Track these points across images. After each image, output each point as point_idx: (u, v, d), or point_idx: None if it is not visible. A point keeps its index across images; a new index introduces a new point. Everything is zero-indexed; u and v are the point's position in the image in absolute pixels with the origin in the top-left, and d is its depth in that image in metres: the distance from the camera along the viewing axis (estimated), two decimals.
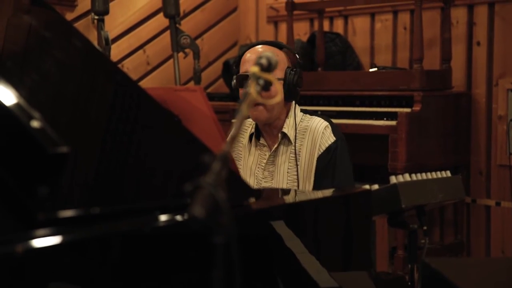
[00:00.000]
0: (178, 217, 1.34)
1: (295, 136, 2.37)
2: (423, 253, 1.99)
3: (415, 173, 2.12)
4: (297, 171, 2.34)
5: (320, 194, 2.00)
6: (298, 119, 2.41)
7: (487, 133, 3.82)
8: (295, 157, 2.35)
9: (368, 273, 1.81)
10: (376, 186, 2.00)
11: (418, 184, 2.05)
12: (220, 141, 1.67)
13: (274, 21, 4.82)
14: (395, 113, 3.45)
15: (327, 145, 2.35)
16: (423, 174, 2.10)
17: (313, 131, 2.38)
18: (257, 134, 2.46)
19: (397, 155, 3.38)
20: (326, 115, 2.49)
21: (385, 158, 3.43)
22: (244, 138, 2.50)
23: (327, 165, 2.34)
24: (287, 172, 2.37)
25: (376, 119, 3.56)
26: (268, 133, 2.44)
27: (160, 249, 1.34)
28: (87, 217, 1.28)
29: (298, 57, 2.43)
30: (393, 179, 2.00)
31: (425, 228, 2.04)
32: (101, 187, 1.45)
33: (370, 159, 3.73)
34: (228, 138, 1.20)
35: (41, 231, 1.18)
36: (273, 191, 2.22)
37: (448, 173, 2.18)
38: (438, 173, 2.14)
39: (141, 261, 1.30)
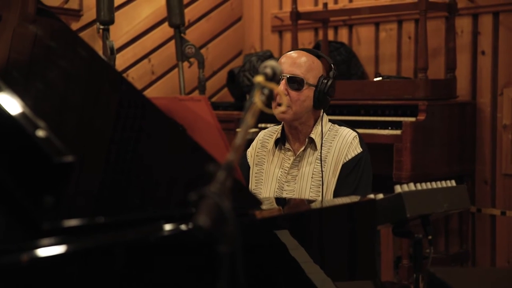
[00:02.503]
0: (183, 227, 1.34)
1: (322, 143, 2.40)
2: (428, 263, 1.98)
3: (420, 182, 2.11)
4: (322, 176, 2.36)
5: (324, 203, 2.00)
6: (326, 128, 2.44)
7: (492, 142, 3.81)
8: (321, 163, 2.37)
9: (372, 283, 1.81)
10: (380, 196, 1.99)
11: (423, 193, 2.04)
12: (224, 150, 1.67)
13: (279, 31, 4.83)
14: (400, 122, 3.45)
15: (353, 155, 2.39)
16: (428, 183, 2.10)
17: (341, 140, 2.42)
18: (283, 139, 2.48)
19: (402, 164, 3.38)
20: (352, 128, 2.50)
21: (390, 167, 3.43)
22: (269, 143, 2.52)
23: (350, 174, 2.37)
24: (311, 177, 2.39)
25: (381, 128, 3.56)
26: (295, 138, 2.46)
27: (165, 258, 1.33)
28: (92, 226, 1.28)
29: (333, 67, 2.45)
30: (397, 189, 1.99)
31: (430, 237, 2.04)
32: (106, 196, 1.45)
33: (374, 168, 3.72)
34: (232, 148, 1.19)
35: (46, 240, 1.18)
36: (280, 200, 2.23)
37: (453, 182, 2.17)
38: (443, 182, 2.13)
39: (146, 270, 1.30)
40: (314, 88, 2.38)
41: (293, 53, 2.44)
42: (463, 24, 3.92)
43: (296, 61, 2.38)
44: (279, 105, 2.37)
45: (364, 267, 1.82)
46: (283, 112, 2.38)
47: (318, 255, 1.67)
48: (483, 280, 1.58)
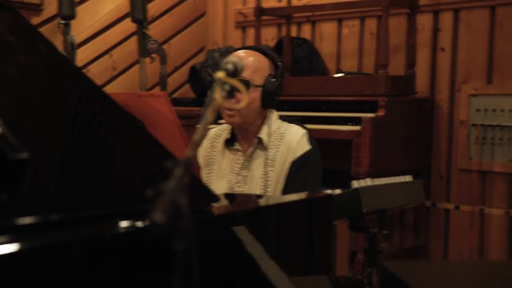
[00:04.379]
0: (139, 223, 1.34)
1: (270, 142, 2.38)
2: (382, 257, 2.02)
3: (379, 177, 2.14)
4: (268, 177, 2.35)
5: (282, 199, 2.01)
6: (275, 126, 2.42)
7: (448, 137, 3.87)
8: (269, 162, 2.36)
9: (328, 277, 1.83)
10: (338, 191, 2.02)
11: (379, 188, 2.08)
12: (183, 146, 1.68)
13: (242, 27, 4.84)
14: (360, 118, 3.48)
15: (302, 152, 2.37)
16: (385, 178, 2.13)
17: (290, 138, 2.40)
18: (232, 139, 2.47)
19: (361, 159, 3.41)
20: (302, 125, 2.49)
21: (350, 163, 3.46)
22: (219, 143, 2.50)
23: (299, 171, 2.36)
24: (261, 177, 2.37)
25: (341, 124, 3.58)
26: (244, 138, 2.45)
27: (121, 256, 1.34)
28: (47, 224, 1.27)
29: (280, 65, 2.43)
30: (354, 184, 2.02)
31: (385, 232, 2.07)
32: (63, 193, 1.44)
33: (334, 164, 3.76)
34: (191, 144, 1.20)
35: None
36: (237, 196, 2.24)
37: (410, 178, 2.21)
38: (399, 177, 2.17)
39: (102, 268, 1.30)
40: (261, 88, 2.36)
41: (240, 53, 2.41)
42: (424, 21, 3.97)
43: (243, 62, 2.36)
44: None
45: (320, 262, 1.84)
46: (231, 116, 2.36)
47: (275, 251, 1.68)
48: (435, 274, 1.61)
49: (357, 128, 3.46)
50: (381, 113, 3.49)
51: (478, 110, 3.73)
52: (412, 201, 2.24)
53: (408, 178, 2.19)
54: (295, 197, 2.00)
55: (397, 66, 3.98)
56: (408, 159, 3.71)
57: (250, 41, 4.66)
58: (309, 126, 3.60)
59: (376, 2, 3.79)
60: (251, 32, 4.71)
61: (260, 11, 4.19)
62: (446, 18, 3.91)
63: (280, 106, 3.85)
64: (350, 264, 3.55)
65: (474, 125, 3.74)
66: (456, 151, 3.83)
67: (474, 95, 3.75)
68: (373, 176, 2.26)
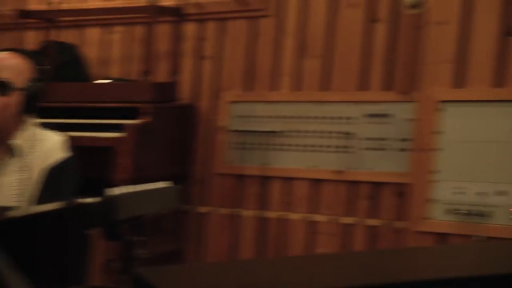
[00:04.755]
0: None
1: (25, 149, 2.31)
2: (137, 264, 2.03)
3: (141, 184, 2.15)
4: (23, 184, 2.27)
5: (33, 209, 1.96)
6: (31, 132, 2.35)
7: (208, 143, 4.01)
8: (23, 170, 2.29)
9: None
10: (92, 199, 2.00)
11: (134, 195, 2.09)
12: None
13: (1, 29, 4.60)
14: (123, 125, 3.49)
15: (58, 160, 2.33)
16: (142, 185, 2.15)
17: (47, 145, 2.35)
18: None
19: (122, 167, 3.41)
20: (60, 132, 2.44)
21: (111, 171, 3.45)
22: None
23: (53, 179, 2.31)
24: (14, 185, 2.29)
25: (103, 131, 3.56)
26: None
27: None
28: None
29: (44, 69, 2.39)
30: (109, 192, 2.01)
31: (140, 238, 2.09)
32: None
33: (96, 171, 3.72)
34: None
35: None
36: None
37: (167, 183, 2.25)
38: (157, 183, 2.20)
39: None
40: (22, 92, 2.29)
41: (1, 55, 2.33)
42: (190, 29, 4.07)
43: (3, 64, 2.28)
44: None
45: (74, 273, 1.82)
46: None
47: (26, 264, 1.63)
48: (187, 276, 1.66)
49: (119, 135, 3.46)
50: (144, 119, 3.52)
51: (236, 117, 3.92)
52: (167, 206, 2.28)
53: (165, 183, 2.22)
54: (47, 207, 1.95)
55: (163, 73, 4.05)
56: (171, 165, 3.79)
57: (11, 45, 4.45)
58: (71, 133, 3.54)
59: (143, 9, 3.83)
60: (11, 35, 4.50)
61: (22, 13, 4.03)
62: (211, 27, 4.04)
63: (40, 112, 3.77)
64: (106, 273, 3.52)
65: (232, 130, 3.91)
66: (215, 156, 3.98)
67: (234, 102, 3.92)
68: (135, 183, 2.27)
